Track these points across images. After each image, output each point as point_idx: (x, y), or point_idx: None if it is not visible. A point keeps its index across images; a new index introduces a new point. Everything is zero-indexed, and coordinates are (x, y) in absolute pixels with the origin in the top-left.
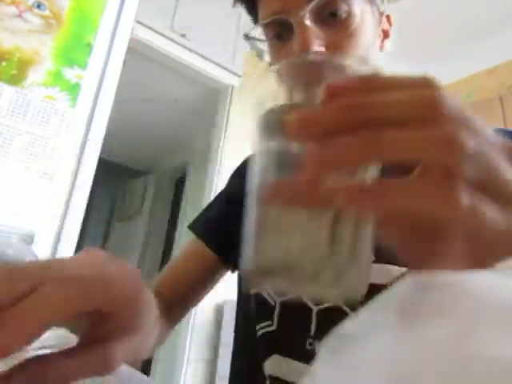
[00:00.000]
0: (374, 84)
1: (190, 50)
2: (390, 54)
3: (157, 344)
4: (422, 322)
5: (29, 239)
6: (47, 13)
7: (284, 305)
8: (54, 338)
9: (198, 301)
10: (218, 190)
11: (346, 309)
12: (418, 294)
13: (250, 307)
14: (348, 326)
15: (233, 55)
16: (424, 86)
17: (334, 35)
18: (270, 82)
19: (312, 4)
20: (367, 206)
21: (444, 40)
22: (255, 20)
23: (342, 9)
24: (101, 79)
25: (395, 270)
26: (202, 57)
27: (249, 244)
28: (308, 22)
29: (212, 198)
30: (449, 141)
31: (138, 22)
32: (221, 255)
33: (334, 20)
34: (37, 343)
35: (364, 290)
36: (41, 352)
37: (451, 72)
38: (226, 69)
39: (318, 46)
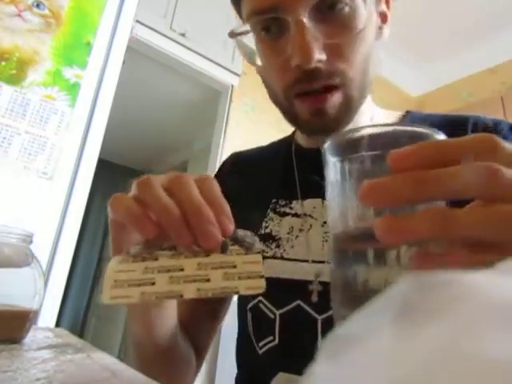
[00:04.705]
0: (439, 152)
1: (190, 50)
2: (392, 52)
3: None
4: (421, 321)
5: (28, 239)
6: (46, 12)
7: (284, 317)
8: (54, 338)
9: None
10: None
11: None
12: (418, 293)
13: (247, 324)
14: (348, 326)
15: (233, 55)
16: (487, 152)
17: (336, 35)
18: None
19: (311, 2)
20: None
21: (445, 39)
22: (239, 12)
23: (342, 1)
24: (100, 79)
25: None
26: (202, 56)
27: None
28: (306, 22)
29: None
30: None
31: (138, 22)
32: None
33: (334, 15)
34: (36, 344)
35: None
36: (39, 352)
37: (452, 71)
38: (225, 68)
39: (319, 53)
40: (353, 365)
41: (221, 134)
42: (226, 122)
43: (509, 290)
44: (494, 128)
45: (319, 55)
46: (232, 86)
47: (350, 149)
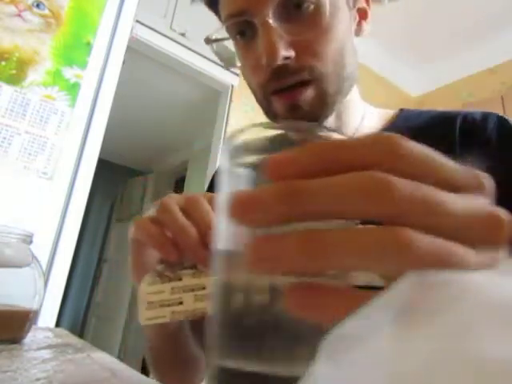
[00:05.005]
0: (326, 156)
1: (190, 50)
2: (392, 52)
3: None
4: (421, 321)
5: (28, 239)
6: (46, 12)
7: None
8: (54, 338)
9: None
10: None
11: None
12: (418, 293)
13: None
14: (348, 326)
15: None
16: (383, 156)
17: (303, 32)
18: None
19: (275, 2)
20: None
21: (445, 39)
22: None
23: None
24: (100, 79)
25: None
26: (202, 56)
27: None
28: (272, 22)
29: None
30: (402, 248)
31: (138, 22)
32: None
33: (300, 13)
34: (36, 344)
35: None
36: (39, 352)
37: (452, 71)
38: (225, 68)
39: (285, 50)
40: (353, 365)
41: (221, 134)
42: (226, 122)
43: (509, 289)
44: (482, 122)
45: (285, 52)
46: (232, 86)
47: (235, 156)
